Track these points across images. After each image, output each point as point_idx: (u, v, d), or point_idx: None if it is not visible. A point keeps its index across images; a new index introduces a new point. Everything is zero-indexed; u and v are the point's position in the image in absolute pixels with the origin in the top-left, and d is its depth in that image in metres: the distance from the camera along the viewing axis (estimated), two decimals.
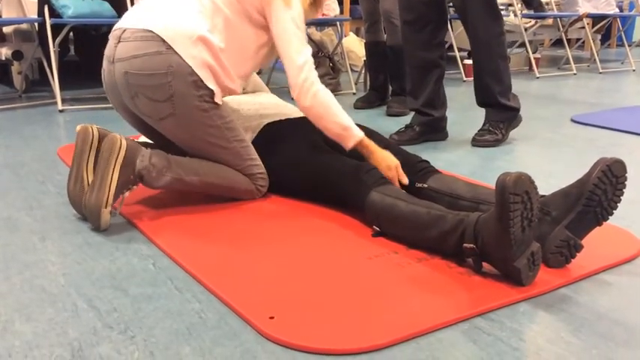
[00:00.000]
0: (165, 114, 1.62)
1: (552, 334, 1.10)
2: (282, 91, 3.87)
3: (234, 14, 1.66)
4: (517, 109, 2.59)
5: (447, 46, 5.11)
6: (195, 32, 1.59)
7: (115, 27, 1.70)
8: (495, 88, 2.52)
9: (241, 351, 1.04)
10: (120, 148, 1.54)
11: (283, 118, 1.89)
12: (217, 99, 1.65)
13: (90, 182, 1.57)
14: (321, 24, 4.46)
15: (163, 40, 1.58)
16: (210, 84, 1.62)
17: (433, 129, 2.65)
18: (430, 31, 2.54)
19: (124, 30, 1.64)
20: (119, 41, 1.63)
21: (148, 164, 1.58)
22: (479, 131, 2.58)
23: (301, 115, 1.94)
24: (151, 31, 1.59)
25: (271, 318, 1.12)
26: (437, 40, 2.59)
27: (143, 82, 1.59)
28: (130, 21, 1.66)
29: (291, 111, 1.96)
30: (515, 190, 1.19)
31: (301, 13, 1.69)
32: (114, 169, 1.52)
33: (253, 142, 1.82)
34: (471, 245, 1.29)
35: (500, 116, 2.56)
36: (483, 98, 2.57)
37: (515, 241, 1.21)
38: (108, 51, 1.67)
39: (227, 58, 1.66)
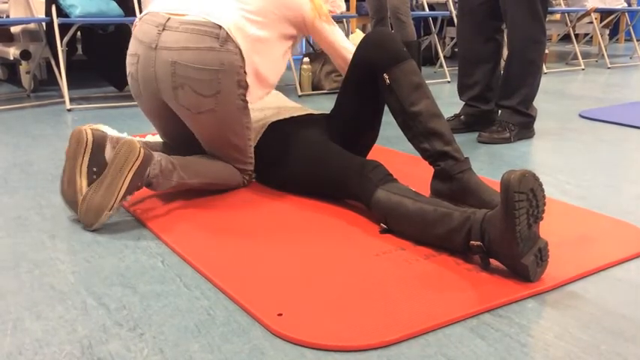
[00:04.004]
0: (206, 108, 1.63)
1: (560, 330, 1.10)
2: (288, 89, 3.87)
3: (267, 18, 1.69)
4: (532, 117, 2.57)
5: (452, 43, 5.08)
6: (242, 26, 1.62)
7: (150, 10, 1.68)
8: (517, 96, 2.51)
9: (250, 348, 1.05)
10: (138, 157, 1.53)
11: (288, 116, 1.89)
12: (249, 96, 1.68)
13: (82, 185, 1.55)
14: None
15: (217, 37, 1.58)
16: (250, 79, 1.65)
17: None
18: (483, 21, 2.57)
19: (169, 18, 1.62)
20: (164, 29, 1.61)
21: (157, 172, 1.58)
22: (487, 129, 2.56)
23: (305, 112, 1.94)
24: (204, 24, 1.59)
25: (279, 315, 1.13)
26: (490, 35, 2.60)
27: (192, 74, 1.59)
28: (171, 7, 1.65)
29: (296, 110, 1.96)
30: (520, 188, 1.19)
31: (328, 14, 1.81)
32: (127, 175, 1.53)
33: (259, 141, 1.83)
34: (478, 243, 1.29)
35: (513, 119, 2.54)
36: (503, 101, 2.57)
37: (522, 239, 1.21)
38: (146, 37, 1.64)
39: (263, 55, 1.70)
